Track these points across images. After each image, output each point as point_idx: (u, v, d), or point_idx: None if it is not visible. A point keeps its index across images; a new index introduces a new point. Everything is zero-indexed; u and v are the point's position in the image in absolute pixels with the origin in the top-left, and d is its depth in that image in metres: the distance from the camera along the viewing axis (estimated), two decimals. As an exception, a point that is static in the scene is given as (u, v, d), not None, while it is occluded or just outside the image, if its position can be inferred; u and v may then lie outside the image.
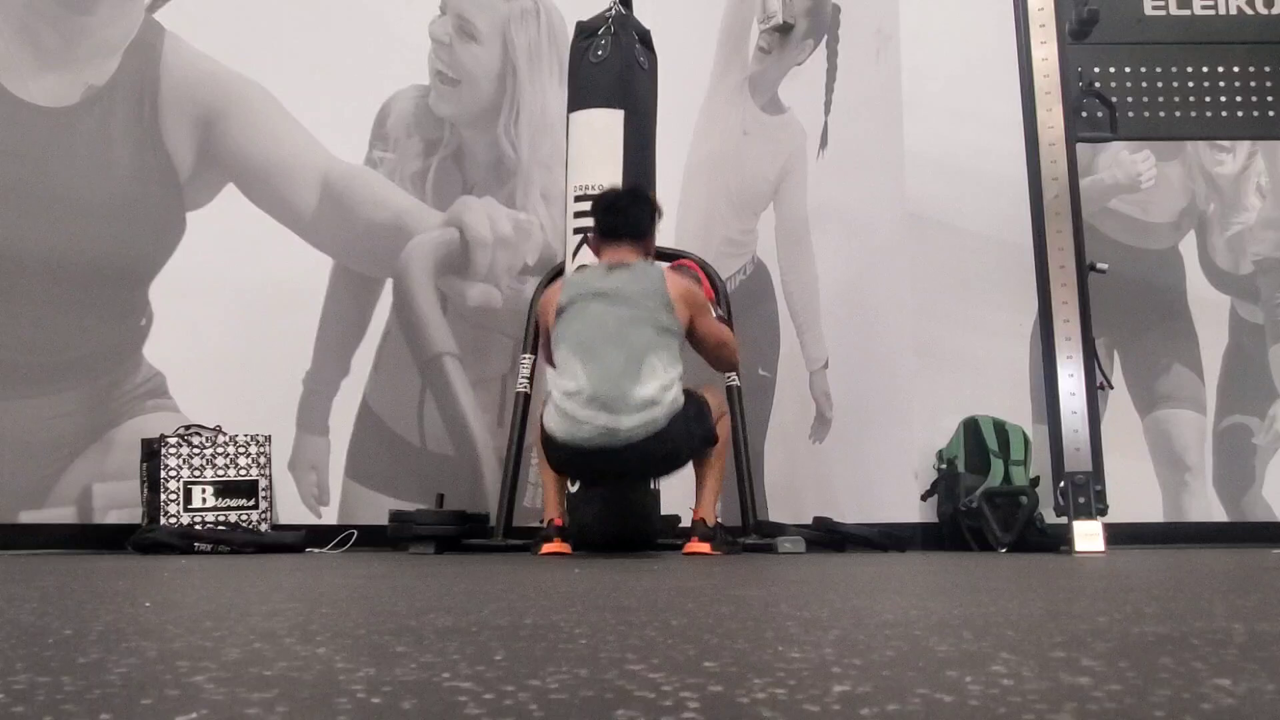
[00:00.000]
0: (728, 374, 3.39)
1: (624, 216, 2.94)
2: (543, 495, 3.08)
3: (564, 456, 2.81)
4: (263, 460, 3.44)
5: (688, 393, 2.81)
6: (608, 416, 2.69)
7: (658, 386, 2.71)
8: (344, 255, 3.92)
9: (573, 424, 2.73)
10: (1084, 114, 3.17)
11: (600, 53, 3.29)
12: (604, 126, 3.28)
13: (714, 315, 3.00)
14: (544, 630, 0.90)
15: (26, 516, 3.35)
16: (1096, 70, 3.19)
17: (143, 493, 3.36)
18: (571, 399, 2.74)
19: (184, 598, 1.40)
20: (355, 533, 3.62)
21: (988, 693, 0.58)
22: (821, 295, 3.95)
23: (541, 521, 3.03)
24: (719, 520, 3.03)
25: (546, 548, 2.90)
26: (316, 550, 3.41)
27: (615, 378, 2.70)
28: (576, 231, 3.27)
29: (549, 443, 2.82)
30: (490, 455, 4.00)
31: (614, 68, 3.28)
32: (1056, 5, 3.14)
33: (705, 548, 2.89)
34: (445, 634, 0.87)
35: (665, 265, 3.12)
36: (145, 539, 3.15)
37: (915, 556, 2.90)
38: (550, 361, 2.96)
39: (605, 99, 3.29)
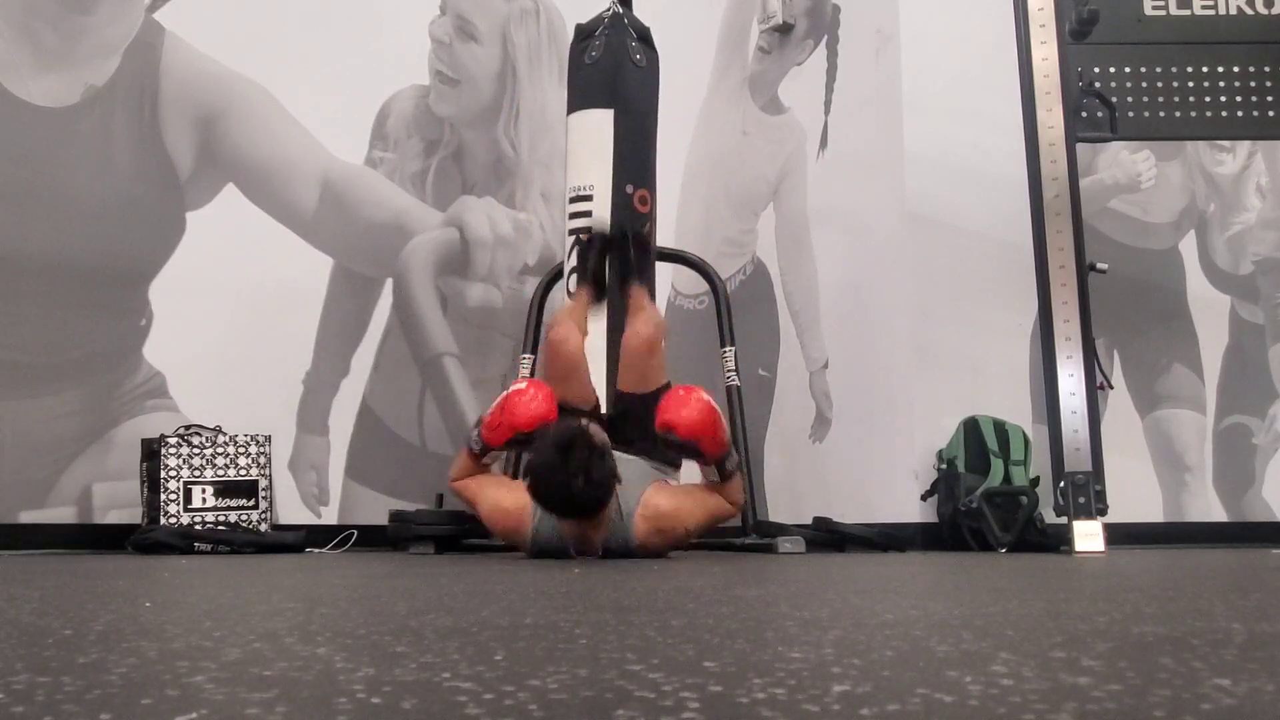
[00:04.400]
0: (728, 374, 3.39)
1: (581, 502, 2.48)
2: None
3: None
4: (263, 460, 3.44)
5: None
6: None
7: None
8: (344, 255, 3.92)
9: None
10: (1084, 114, 3.17)
11: (594, 54, 3.29)
12: (595, 126, 3.28)
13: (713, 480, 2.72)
14: (544, 630, 0.90)
15: (26, 516, 3.35)
16: (1096, 70, 3.19)
17: (143, 493, 3.36)
18: None
19: (184, 598, 1.40)
20: (355, 533, 3.61)
21: (988, 693, 0.58)
22: (821, 295, 3.95)
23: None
24: None
25: None
26: (316, 550, 3.41)
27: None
28: (572, 232, 3.27)
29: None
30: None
31: (606, 67, 3.27)
32: (1056, 5, 3.13)
33: None
34: (445, 634, 0.87)
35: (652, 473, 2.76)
36: (145, 539, 3.15)
37: (915, 556, 2.90)
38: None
39: (596, 99, 3.30)
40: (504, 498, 2.72)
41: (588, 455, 2.42)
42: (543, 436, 2.53)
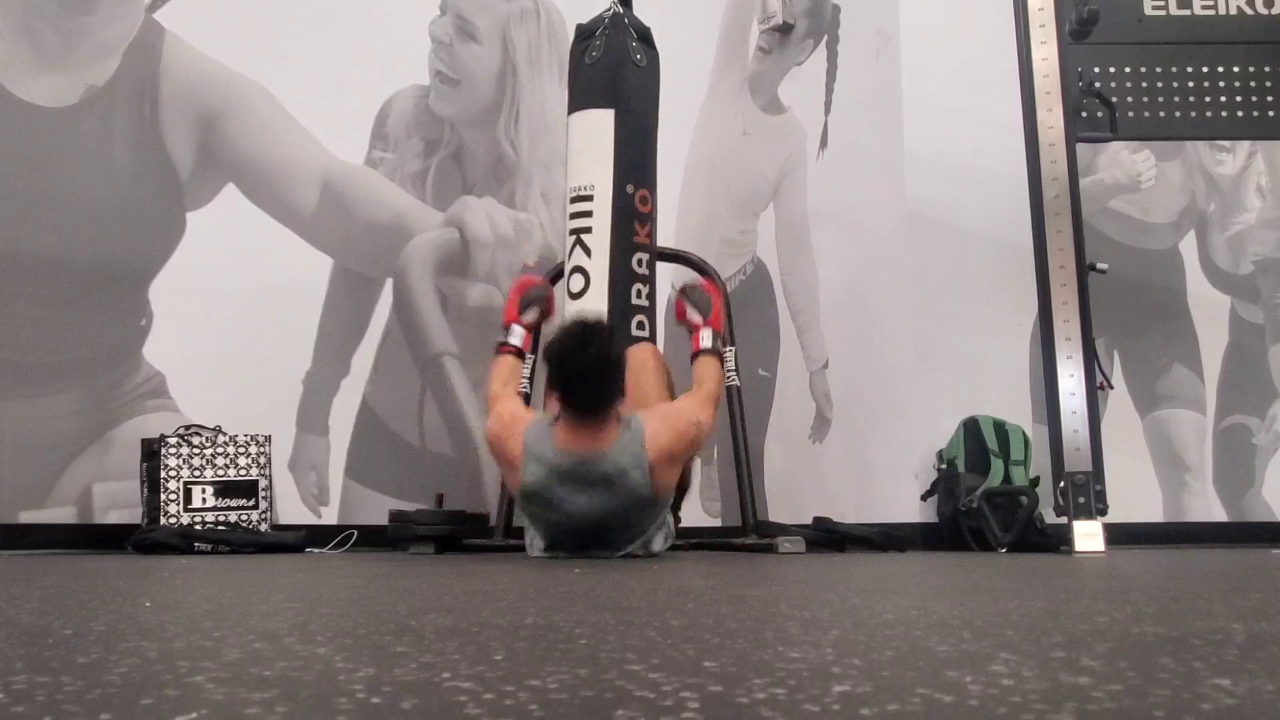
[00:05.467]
0: (728, 374, 3.38)
1: (595, 387, 2.52)
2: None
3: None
4: (263, 460, 3.44)
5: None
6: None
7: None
8: (344, 255, 3.92)
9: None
10: (1084, 114, 3.17)
11: (594, 54, 3.29)
12: (596, 126, 3.28)
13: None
14: (544, 630, 0.90)
15: (26, 516, 3.35)
16: (1096, 70, 3.19)
17: (143, 493, 3.36)
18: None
19: (184, 598, 1.40)
20: (355, 533, 3.62)
21: (988, 693, 0.58)
22: (821, 295, 3.95)
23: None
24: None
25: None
26: (316, 550, 3.41)
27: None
28: (572, 232, 3.27)
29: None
30: (490, 455, 4.00)
31: (607, 67, 3.28)
32: (1056, 5, 3.13)
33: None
34: (445, 634, 0.87)
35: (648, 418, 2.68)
36: (145, 539, 3.15)
37: (915, 556, 2.90)
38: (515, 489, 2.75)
39: (597, 99, 3.30)
40: (505, 408, 2.78)
41: (606, 339, 2.59)
42: (561, 327, 2.72)
